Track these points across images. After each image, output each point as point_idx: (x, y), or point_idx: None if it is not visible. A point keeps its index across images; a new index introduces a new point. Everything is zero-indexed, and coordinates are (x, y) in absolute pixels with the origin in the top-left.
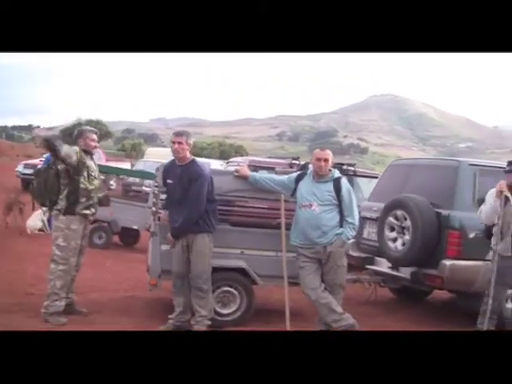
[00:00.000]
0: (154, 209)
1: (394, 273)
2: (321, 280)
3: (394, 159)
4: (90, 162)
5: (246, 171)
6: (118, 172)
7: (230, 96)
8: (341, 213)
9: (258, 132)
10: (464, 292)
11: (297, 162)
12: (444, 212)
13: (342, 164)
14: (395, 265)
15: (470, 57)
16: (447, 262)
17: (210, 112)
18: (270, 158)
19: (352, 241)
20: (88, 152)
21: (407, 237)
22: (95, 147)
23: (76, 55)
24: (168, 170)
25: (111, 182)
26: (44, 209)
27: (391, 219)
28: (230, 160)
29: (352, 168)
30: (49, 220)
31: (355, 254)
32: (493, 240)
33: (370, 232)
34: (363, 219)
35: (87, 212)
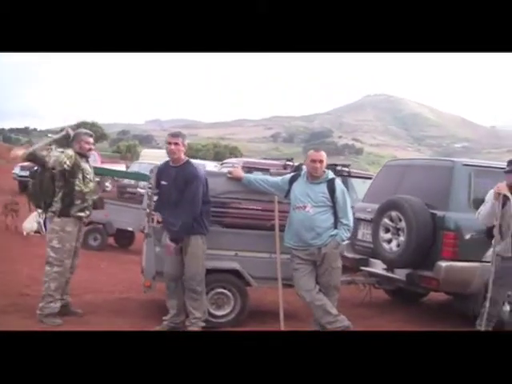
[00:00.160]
0: (148, 210)
1: (389, 274)
2: (315, 282)
3: (389, 160)
4: (85, 165)
5: (240, 173)
6: (113, 174)
7: (229, 96)
8: (335, 214)
9: (253, 133)
10: (460, 294)
11: (291, 163)
12: (439, 213)
13: (336, 165)
14: (390, 266)
15: (467, 56)
16: (443, 264)
17: (205, 113)
18: (264, 159)
19: (346, 242)
20: (83, 155)
21: (402, 238)
22: (90, 150)
23: (71, 57)
24: (162, 171)
25: (106, 184)
26: (39, 211)
27: (386, 220)
28: (225, 161)
29: (346, 169)
30: (45, 222)
31: (350, 255)
32: (493, 241)
33: (364, 233)
34: (358, 220)
35: (82, 214)
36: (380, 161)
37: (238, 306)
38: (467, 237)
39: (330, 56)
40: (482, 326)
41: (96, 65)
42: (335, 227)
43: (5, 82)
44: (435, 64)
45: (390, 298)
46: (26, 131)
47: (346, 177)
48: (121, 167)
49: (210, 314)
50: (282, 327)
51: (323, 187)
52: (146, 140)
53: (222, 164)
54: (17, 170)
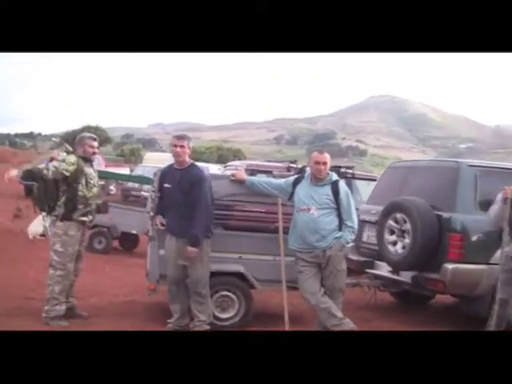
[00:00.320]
0: (152, 214)
1: (395, 277)
2: (320, 284)
3: (393, 161)
4: (88, 170)
5: (243, 175)
6: (118, 177)
7: (230, 96)
8: (339, 216)
9: (256, 136)
10: (467, 296)
11: (294, 165)
12: (445, 214)
13: (340, 167)
14: (395, 268)
15: (471, 56)
16: (449, 266)
17: (208, 116)
18: (267, 161)
19: (351, 244)
20: (87, 159)
21: (407, 240)
22: (94, 153)
23: (74, 60)
24: (166, 174)
25: (111, 188)
26: (44, 214)
27: (391, 222)
28: (228, 164)
29: (350, 171)
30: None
31: (355, 257)
32: (502, 242)
33: (369, 235)
34: (362, 222)
35: (85, 219)
36: (384, 162)
37: (243, 308)
38: (474, 238)
39: (333, 56)
40: (492, 327)
41: (99, 69)
42: (340, 229)
43: (5, 82)
44: (439, 64)
45: (396, 301)
46: (30, 136)
47: (350, 179)
48: (125, 171)
49: (215, 317)
50: (287, 329)
51: (327, 189)
52: (150, 143)
53: (225, 166)
54: None
